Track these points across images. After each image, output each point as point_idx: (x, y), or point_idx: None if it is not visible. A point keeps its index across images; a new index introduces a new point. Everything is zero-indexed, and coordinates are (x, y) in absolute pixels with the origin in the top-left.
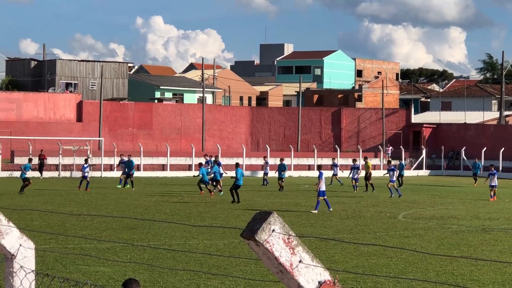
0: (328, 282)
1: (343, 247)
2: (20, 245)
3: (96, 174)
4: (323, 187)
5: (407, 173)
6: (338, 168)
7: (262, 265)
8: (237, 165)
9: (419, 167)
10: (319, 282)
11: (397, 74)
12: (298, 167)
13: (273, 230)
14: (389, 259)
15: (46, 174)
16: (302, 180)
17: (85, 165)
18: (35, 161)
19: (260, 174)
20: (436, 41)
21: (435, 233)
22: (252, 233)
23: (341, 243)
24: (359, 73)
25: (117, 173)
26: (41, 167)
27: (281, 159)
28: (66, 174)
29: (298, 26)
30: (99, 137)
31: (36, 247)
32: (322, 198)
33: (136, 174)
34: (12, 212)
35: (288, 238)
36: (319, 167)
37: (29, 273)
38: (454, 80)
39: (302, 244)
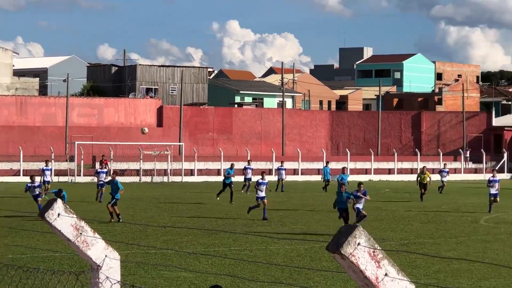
0: None
1: (424, 251)
2: (106, 256)
3: (177, 179)
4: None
5: (488, 176)
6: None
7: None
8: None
9: (501, 170)
10: None
11: (477, 77)
12: (378, 171)
13: (359, 244)
14: (471, 264)
15: (127, 179)
16: (383, 184)
17: (103, 170)
18: (97, 166)
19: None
20: None
21: None
22: (337, 247)
23: (422, 247)
24: (439, 76)
25: (197, 178)
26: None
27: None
28: (147, 179)
29: (375, 30)
30: (180, 142)
31: (121, 259)
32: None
33: (216, 178)
34: (94, 217)
35: (373, 252)
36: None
37: (114, 284)
38: None
39: (387, 258)
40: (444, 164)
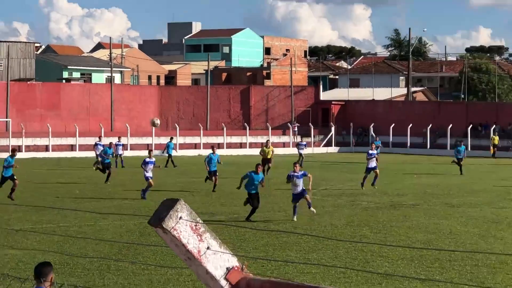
0: (236, 268)
1: (254, 226)
2: None
3: (4, 155)
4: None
5: (316, 150)
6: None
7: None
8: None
9: (328, 144)
10: (227, 268)
11: (305, 52)
12: (207, 146)
13: (180, 218)
14: (299, 237)
15: None
16: None
17: None
18: None
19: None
20: (340, 18)
21: (344, 210)
22: (159, 221)
23: (251, 221)
24: (267, 51)
25: (25, 154)
26: None
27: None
28: None
29: (204, 4)
30: (6, 118)
31: None
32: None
33: (45, 154)
34: None
35: (195, 225)
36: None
37: None
38: (361, 57)
39: (209, 231)
40: (301, 137)
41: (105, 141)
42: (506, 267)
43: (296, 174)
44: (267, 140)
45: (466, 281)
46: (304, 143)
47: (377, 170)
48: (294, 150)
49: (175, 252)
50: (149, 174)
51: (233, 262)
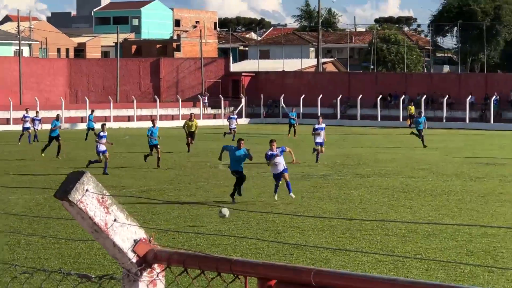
0: (143, 240)
1: (165, 198)
2: None
3: None
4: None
5: (227, 121)
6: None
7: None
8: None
9: (239, 115)
10: (134, 240)
11: (215, 23)
12: (117, 119)
13: (87, 190)
14: (210, 209)
15: None
16: (122, 131)
17: None
18: None
19: (81, 126)
20: None
21: (256, 182)
22: (65, 194)
23: (162, 194)
24: (177, 23)
25: None
26: None
27: None
28: None
29: None
30: None
31: None
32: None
33: None
34: None
35: (102, 198)
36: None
37: None
38: (271, 28)
39: (116, 203)
40: (232, 110)
41: (17, 114)
42: (415, 236)
43: (274, 152)
44: (191, 114)
45: (377, 250)
46: (235, 116)
47: (323, 148)
48: (205, 122)
49: (81, 225)
50: (102, 148)
51: (141, 234)
